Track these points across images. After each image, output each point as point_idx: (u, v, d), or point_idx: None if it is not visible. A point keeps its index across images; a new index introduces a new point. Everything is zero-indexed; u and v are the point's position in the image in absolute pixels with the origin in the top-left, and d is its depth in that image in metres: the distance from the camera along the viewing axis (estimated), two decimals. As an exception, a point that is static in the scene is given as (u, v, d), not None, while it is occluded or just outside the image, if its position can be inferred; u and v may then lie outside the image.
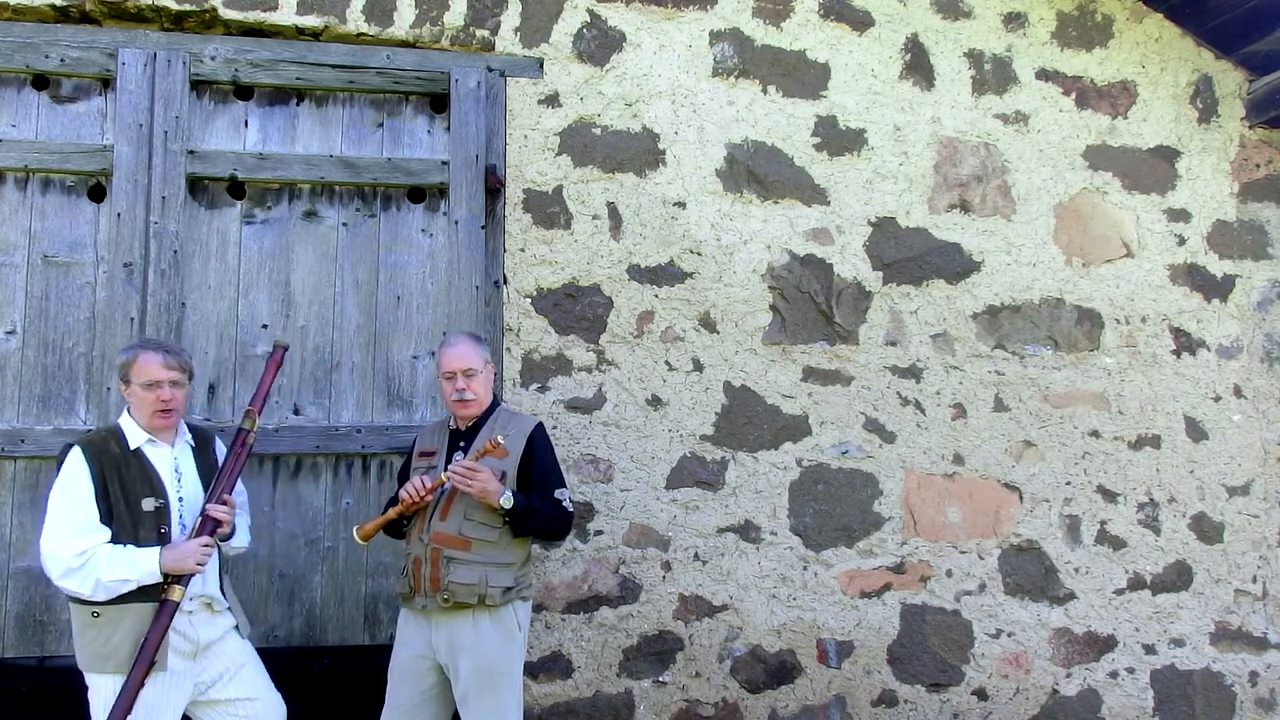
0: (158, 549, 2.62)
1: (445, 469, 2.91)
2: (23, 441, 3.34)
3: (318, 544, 3.51)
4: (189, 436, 2.89)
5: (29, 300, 3.46)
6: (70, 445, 2.72)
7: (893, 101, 4.00)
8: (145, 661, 2.55)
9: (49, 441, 3.32)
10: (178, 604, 2.62)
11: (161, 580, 2.60)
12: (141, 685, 2.55)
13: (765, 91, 3.91)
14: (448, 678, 2.90)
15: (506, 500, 2.83)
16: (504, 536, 2.90)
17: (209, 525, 2.71)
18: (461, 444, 3.00)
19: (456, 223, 3.64)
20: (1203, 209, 4.19)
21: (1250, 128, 4.28)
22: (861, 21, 4.01)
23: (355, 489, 3.54)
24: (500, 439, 2.85)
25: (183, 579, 2.63)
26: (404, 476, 3.13)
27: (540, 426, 3.05)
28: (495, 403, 3.10)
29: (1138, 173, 4.16)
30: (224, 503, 2.75)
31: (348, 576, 3.51)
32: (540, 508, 2.90)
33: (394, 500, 3.07)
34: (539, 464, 2.97)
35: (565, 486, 3.01)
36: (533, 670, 3.51)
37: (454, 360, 2.99)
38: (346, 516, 3.52)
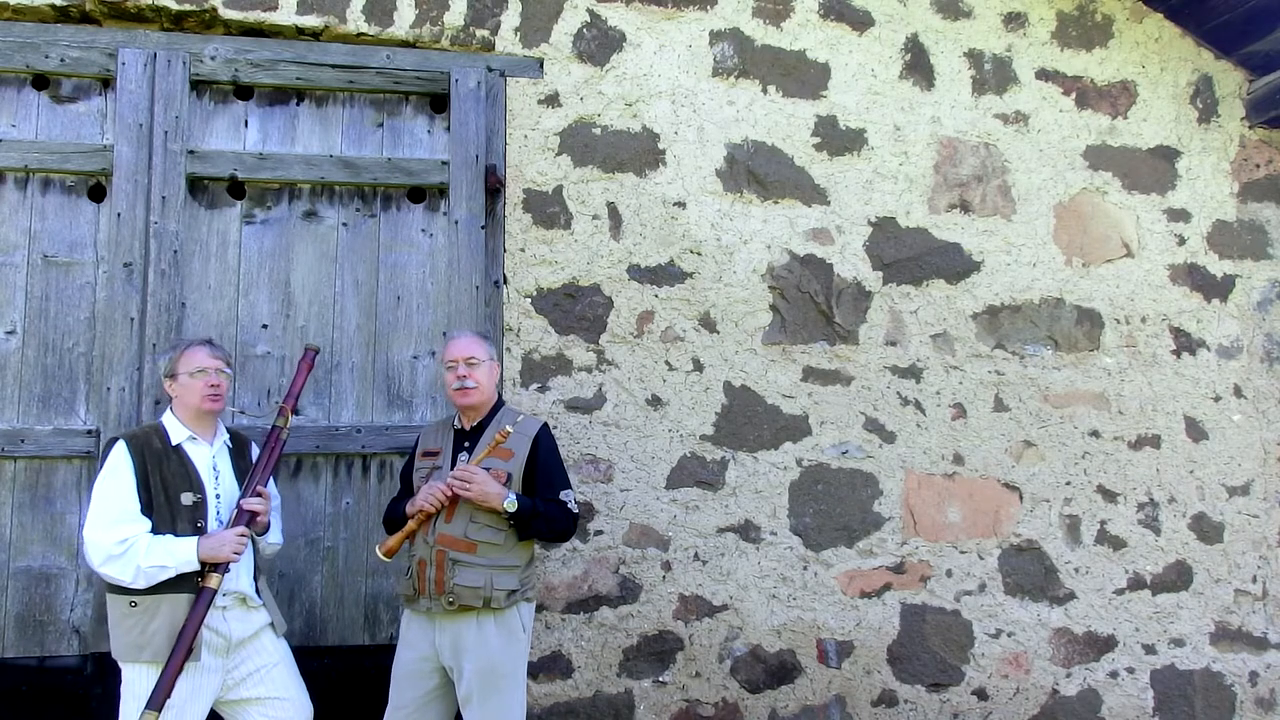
0: (195, 538, 2.71)
1: (451, 468, 2.92)
2: (23, 441, 3.33)
3: (318, 544, 3.51)
4: (226, 437, 2.98)
5: (29, 300, 3.46)
6: (115, 439, 2.83)
7: (893, 101, 4.00)
8: (184, 647, 2.62)
9: (49, 441, 3.33)
10: (215, 591, 2.69)
11: (199, 569, 2.69)
12: (180, 671, 2.61)
13: (765, 91, 3.91)
14: (451, 679, 2.90)
15: (510, 504, 2.82)
16: (509, 539, 2.89)
17: (244, 518, 2.81)
18: (466, 443, 2.99)
19: (456, 223, 3.64)
20: (1203, 209, 4.19)
21: (1250, 128, 4.28)
22: (861, 21, 4.01)
23: (355, 489, 3.54)
24: (509, 427, 2.87)
25: (220, 568, 2.71)
26: (407, 476, 3.13)
27: (545, 427, 3.04)
28: (500, 402, 3.10)
29: (1138, 173, 4.16)
30: (258, 495, 2.85)
31: (348, 576, 3.51)
32: (545, 510, 2.90)
33: (399, 501, 3.09)
34: (544, 465, 2.96)
35: (570, 488, 3.00)
36: (533, 670, 3.50)
37: (456, 350, 3.01)
38: (346, 516, 3.52)
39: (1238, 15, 4.03)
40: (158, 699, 2.57)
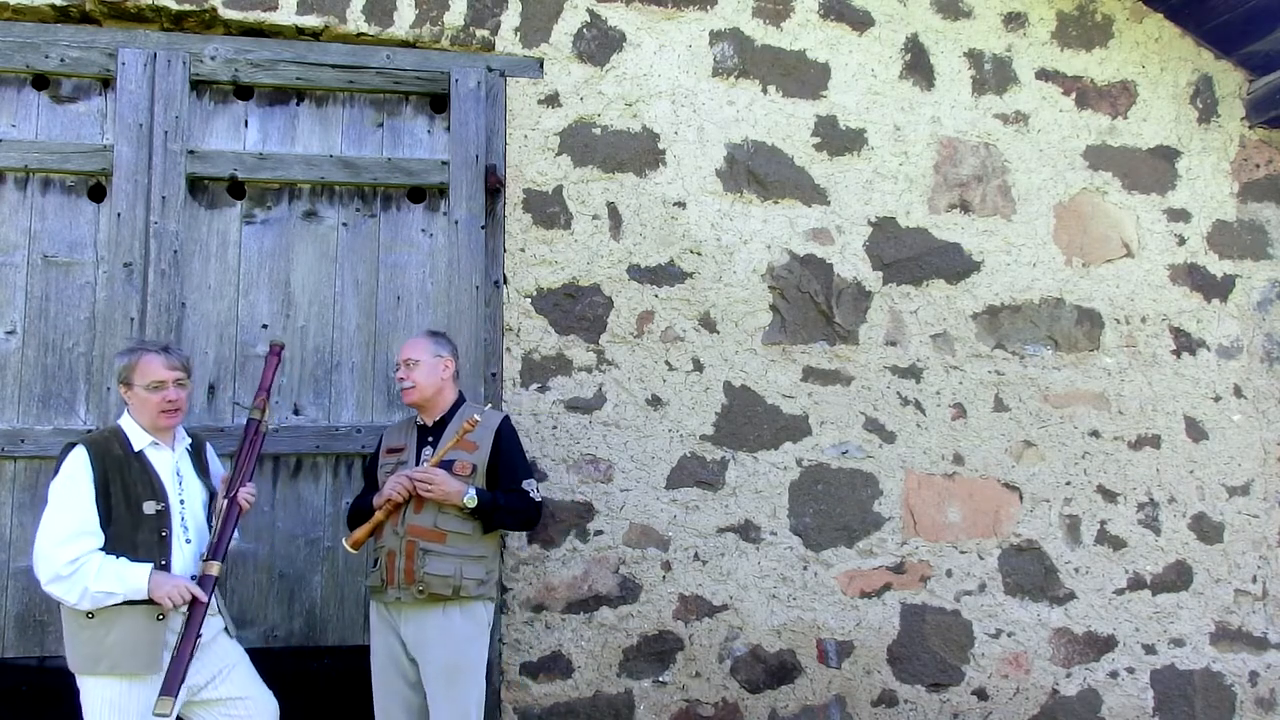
0: (149, 568, 2.60)
1: (417, 463, 3.02)
2: (23, 441, 3.33)
3: (318, 544, 3.51)
4: (187, 441, 2.91)
5: (29, 300, 3.46)
6: (72, 444, 2.71)
7: (893, 101, 4.00)
8: (191, 637, 2.57)
9: (49, 441, 3.32)
10: (216, 578, 2.67)
11: (147, 599, 2.59)
12: (193, 655, 2.57)
13: (765, 91, 3.91)
14: None
15: (470, 500, 2.92)
16: (477, 529, 2.99)
17: (235, 511, 2.76)
18: (430, 439, 3.08)
19: (456, 223, 3.64)
20: (1203, 209, 4.19)
21: (1250, 128, 4.28)
22: (861, 21, 4.00)
23: (355, 489, 3.53)
24: (477, 416, 2.96)
25: (219, 554, 2.69)
26: (370, 473, 3.20)
27: (507, 420, 3.16)
28: (460, 399, 3.19)
29: (1138, 173, 4.16)
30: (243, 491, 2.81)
31: (348, 576, 3.51)
32: (506, 503, 3.00)
33: (362, 498, 3.16)
34: (506, 457, 3.07)
35: (533, 477, 3.11)
36: (533, 670, 3.51)
37: (400, 352, 3.15)
38: (346, 517, 3.51)
39: (1238, 15, 4.03)
40: (173, 685, 2.52)
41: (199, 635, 2.60)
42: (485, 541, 3.02)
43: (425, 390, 3.08)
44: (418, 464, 3.02)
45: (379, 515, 2.94)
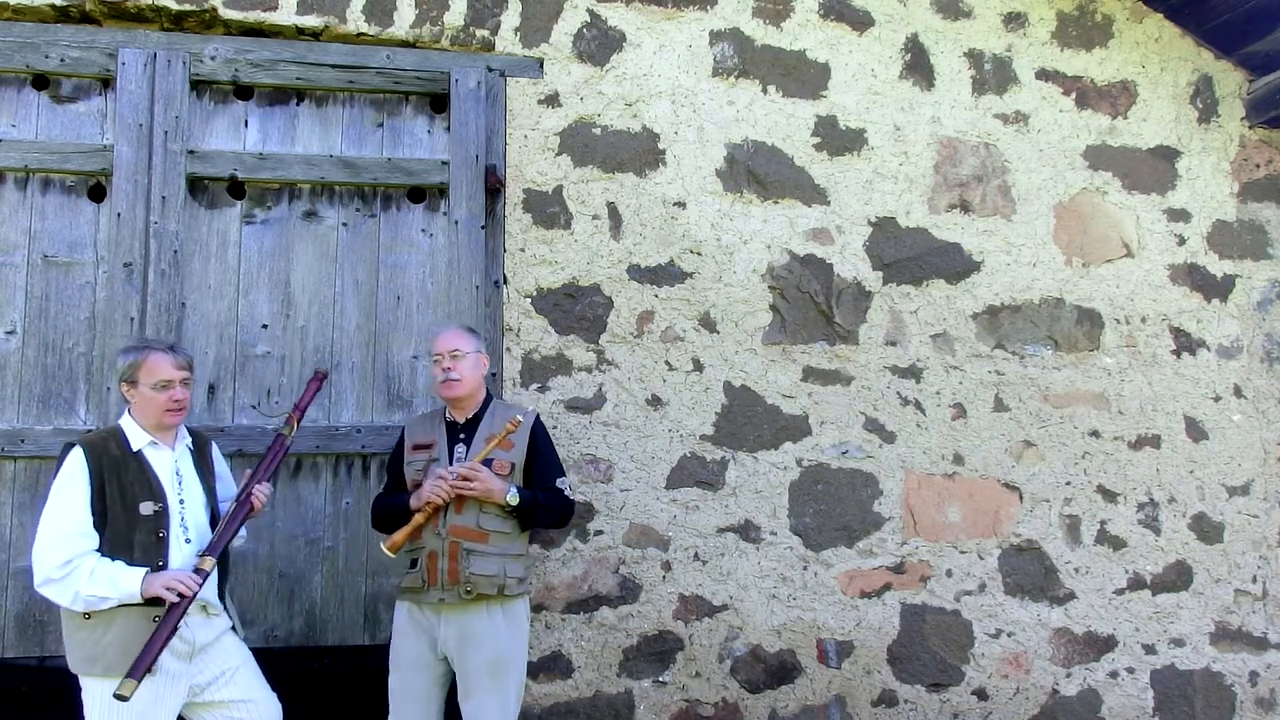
0: (142, 572, 2.59)
1: (450, 462, 2.98)
2: (23, 441, 3.33)
3: (318, 544, 3.51)
4: (188, 440, 2.89)
5: (29, 300, 3.46)
6: (71, 444, 2.71)
7: (893, 101, 4.00)
8: (169, 626, 2.53)
9: (49, 441, 3.32)
10: (208, 573, 2.64)
11: (141, 602, 2.57)
12: (166, 642, 2.53)
13: (765, 91, 3.91)
14: (450, 669, 2.95)
15: (513, 497, 2.92)
16: (516, 527, 2.99)
17: (244, 510, 2.76)
18: (462, 435, 3.04)
19: (456, 223, 3.64)
20: (1203, 209, 4.19)
21: (1250, 128, 4.28)
22: (861, 21, 4.01)
23: (355, 489, 3.54)
24: (520, 417, 2.94)
25: (215, 550, 2.67)
26: (394, 469, 3.15)
27: (539, 418, 3.15)
28: (489, 397, 3.15)
29: (1138, 173, 4.16)
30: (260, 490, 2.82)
31: (348, 576, 3.51)
32: (545, 500, 3.01)
33: (390, 495, 3.12)
34: (542, 455, 3.07)
35: (565, 475, 3.11)
36: (533, 670, 3.51)
37: (441, 343, 3.07)
38: (346, 516, 3.52)
39: (1238, 15, 4.03)
40: (139, 669, 2.48)
41: (176, 627, 2.56)
42: (522, 540, 3.04)
43: (470, 384, 3.03)
44: (450, 462, 2.99)
45: (419, 518, 2.90)
